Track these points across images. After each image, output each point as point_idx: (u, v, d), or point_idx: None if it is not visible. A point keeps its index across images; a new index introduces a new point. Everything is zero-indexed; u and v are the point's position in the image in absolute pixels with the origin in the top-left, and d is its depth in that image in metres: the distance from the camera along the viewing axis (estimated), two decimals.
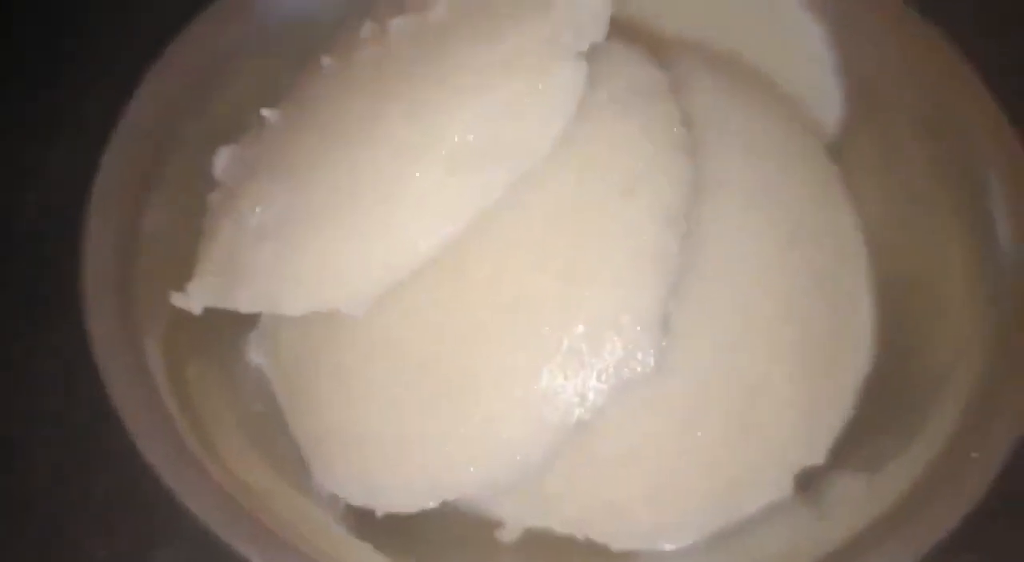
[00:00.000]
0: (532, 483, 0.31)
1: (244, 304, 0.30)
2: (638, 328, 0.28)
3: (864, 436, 0.33)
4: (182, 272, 0.32)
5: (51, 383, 0.38)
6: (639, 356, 0.28)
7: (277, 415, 0.34)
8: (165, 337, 0.32)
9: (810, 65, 0.38)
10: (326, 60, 0.33)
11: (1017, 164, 0.33)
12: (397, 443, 0.29)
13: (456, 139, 0.28)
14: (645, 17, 0.36)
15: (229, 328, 0.35)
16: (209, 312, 0.33)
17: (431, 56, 0.29)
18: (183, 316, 0.32)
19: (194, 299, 0.31)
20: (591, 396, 0.28)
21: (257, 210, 0.30)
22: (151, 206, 0.33)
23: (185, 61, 0.35)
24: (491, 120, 0.28)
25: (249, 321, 0.35)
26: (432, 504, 0.30)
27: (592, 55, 0.30)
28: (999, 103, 0.34)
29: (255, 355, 0.35)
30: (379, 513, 0.30)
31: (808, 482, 0.33)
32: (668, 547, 0.32)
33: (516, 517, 0.32)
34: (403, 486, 0.30)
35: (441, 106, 0.28)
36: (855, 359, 0.34)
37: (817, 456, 0.33)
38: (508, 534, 0.32)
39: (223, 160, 0.34)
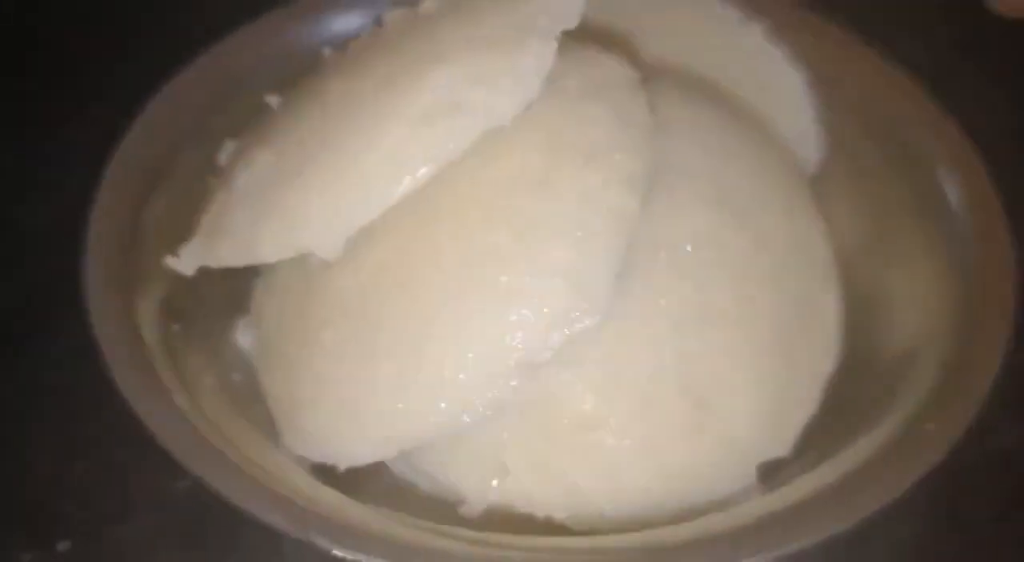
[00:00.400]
0: (492, 459, 0.32)
1: (224, 256, 0.31)
2: (589, 279, 0.29)
3: (828, 427, 0.33)
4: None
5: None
6: (589, 306, 0.29)
7: (255, 386, 0.35)
8: (159, 308, 0.34)
9: (790, 107, 0.40)
10: (327, 51, 0.36)
11: (983, 192, 0.35)
12: (354, 395, 0.30)
13: (425, 99, 0.30)
14: (632, 39, 0.39)
15: (223, 311, 0.36)
16: (205, 293, 0.35)
17: (415, 40, 0.32)
18: (177, 294, 0.35)
19: (185, 261, 0.33)
20: (541, 343, 0.29)
21: (243, 175, 0.32)
22: (158, 195, 0.36)
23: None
24: (460, 85, 0.30)
25: (242, 307, 0.37)
26: (391, 454, 0.31)
27: (568, 53, 0.32)
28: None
29: (242, 338, 0.36)
30: (341, 468, 0.31)
31: (772, 472, 0.33)
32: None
33: (479, 493, 0.32)
34: (361, 437, 0.30)
35: (414, 74, 0.30)
36: (821, 358, 0.34)
37: (782, 449, 0.33)
38: (471, 509, 0.32)
39: (228, 151, 0.37)
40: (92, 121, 0.39)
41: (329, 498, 0.31)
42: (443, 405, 0.30)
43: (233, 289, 0.36)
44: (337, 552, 0.27)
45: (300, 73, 0.37)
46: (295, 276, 0.33)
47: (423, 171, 0.29)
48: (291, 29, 0.40)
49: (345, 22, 0.40)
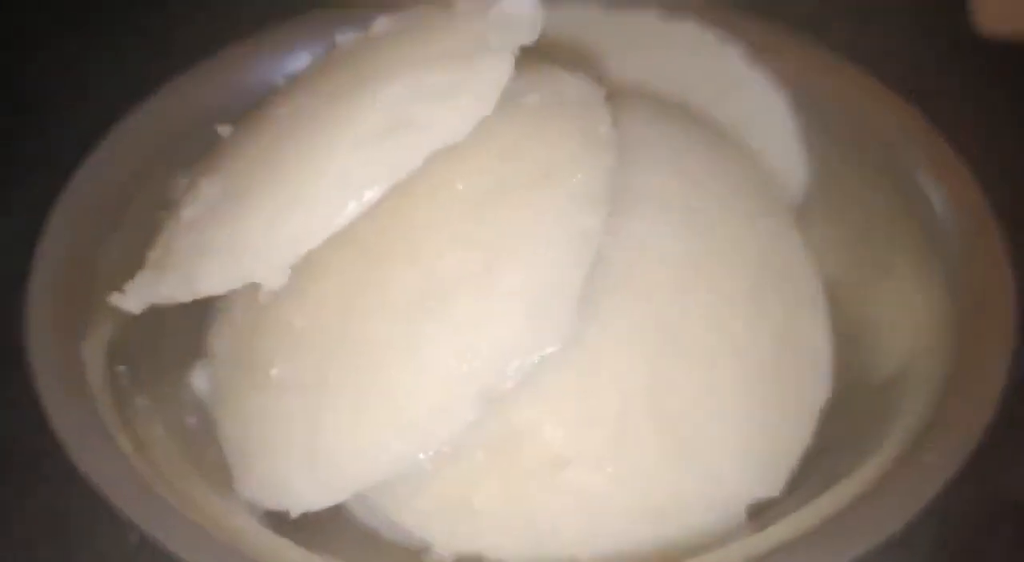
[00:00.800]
0: (459, 502, 0.30)
1: (168, 290, 0.29)
2: (549, 303, 0.27)
3: (821, 462, 0.31)
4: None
5: None
6: (550, 332, 0.27)
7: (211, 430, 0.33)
8: (106, 350, 0.32)
9: (770, 131, 0.39)
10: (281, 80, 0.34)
11: (975, 209, 0.34)
12: (302, 435, 0.28)
13: (373, 118, 0.28)
14: (600, 60, 0.38)
15: (179, 354, 0.34)
16: (159, 335, 0.33)
17: (364, 60, 0.31)
18: (127, 335, 0.33)
19: (131, 298, 0.31)
20: (500, 372, 0.27)
21: (189, 207, 0.31)
22: (109, 234, 0.34)
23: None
24: (409, 102, 0.28)
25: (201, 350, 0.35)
26: (342, 498, 0.29)
27: (529, 71, 0.31)
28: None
29: (198, 381, 0.34)
30: (293, 514, 0.29)
31: (762, 510, 0.31)
32: None
33: (446, 541, 0.30)
34: (311, 480, 0.28)
35: (362, 93, 0.29)
36: (812, 390, 0.32)
37: (773, 489, 0.31)
38: (438, 558, 0.30)
39: (180, 185, 0.35)
40: (42, 164, 0.38)
41: (278, 547, 0.29)
42: (397, 444, 0.28)
43: (191, 331, 0.34)
44: None
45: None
46: (246, 313, 0.31)
47: (369, 194, 0.28)
48: (250, 64, 0.39)
49: (306, 57, 0.39)
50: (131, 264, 0.33)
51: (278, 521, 0.30)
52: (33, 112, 0.47)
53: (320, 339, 0.29)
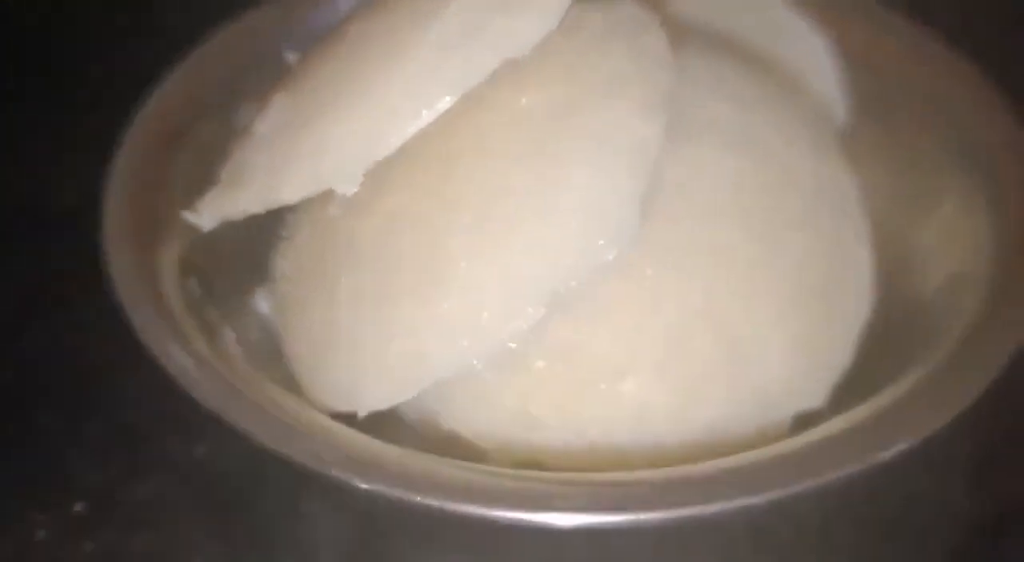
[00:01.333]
0: (518, 411, 0.31)
1: (244, 204, 0.31)
2: (612, 208, 0.29)
3: (863, 379, 0.32)
4: None
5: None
6: (613, 234, 0.28)
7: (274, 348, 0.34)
8: (177, 264, 0.34)
9: (814, 72, 0.40)
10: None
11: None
12: (371, 338, 0.30)
13: (444, 24, 0.29)
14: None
15: (242, 276, 0.36)
16: (224, 255, 0.35)
17: None
18: (196, 252, 0.34)
19: (204, 215, 0.32)
20: (565, 272, 0.28)
21: (262, 124, 0.32)
22: (178, 155, 0.36)
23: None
24: (479, 11, 0.29)
25: (262, 275, 0.36)
26: (410, 394, 0.30)
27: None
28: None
29: (262, 304, 0.35)
30: (361, 414, 0.30)
31: (805, 425, 0.31)
32: None
33: (503, 449, 0.31)
34: (380, 379, 0.30)
35: (428, 8, 0.30)
36: (856, 307, 0.33)
37: (816, 399, 0.32)
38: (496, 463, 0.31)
39: (243, 113, 0.36)
40: (108, 102, 0.39)
41: (352, 436, 0.30)
42: (464, 341, 0.29)
43: (253, 257, 0.36)
44: (361, 484, 0.26)
45: None
46: (313, 230, 0.33)
47: (441, 101, 0.29)
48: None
49: None
50: (201, 183, 0.34)
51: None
52: (99, 39, 0.49)
53: (388, 248, 0.30)
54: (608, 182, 0.29)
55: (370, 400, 0.30)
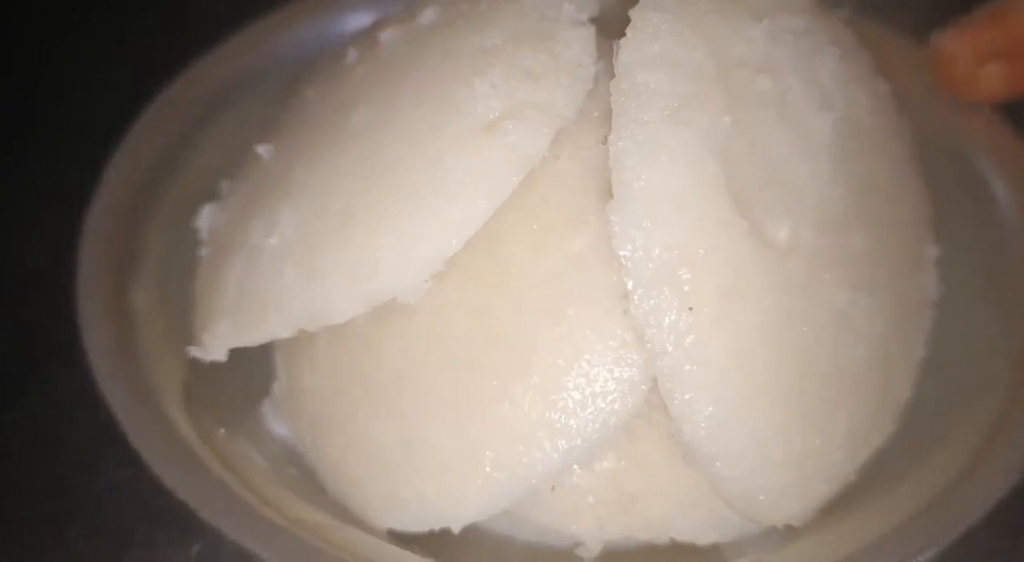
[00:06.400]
0: (609, 490, 0.29)
1: (278, 329, 0.28)
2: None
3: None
4: (183, 340, 0.31)
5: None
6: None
7: (310, 475, 0.32)
8: (185, 409, 0.30)
9: None
10: (311, 92, 0.32)
11: None
12: (461, 448, 0.27)
13: (484, 104, 0.27)
14: None
15: (240, 400, 0.33)
16: (218, 385, 0.32)
17: (428, 53, 0.29)
18: (194, 388, 0.31)
19: (213, 346, 0.29)
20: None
21: (271, 235, 0.28)
22: (139, 281, 0.32)
23: (151, 134, 0.35)
24: (513, 86, 0.27)
25: (260, 390, 0.33)
26: (510, 503, 0.28)
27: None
28: None
29: (275, 425, 0.33)
30: (455, 530, 0.28)
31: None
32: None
33: (595, 532, 0.30)
34: (474, 492, 0.28)
35: (454, 86, 0.27)
36: (905, 376, 0.32)
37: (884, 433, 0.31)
38: (590, 550, 0.30)
39: (207, 218, 0.33)
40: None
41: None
42: (562, 443, 0.27)
43: (244, 373, 0.32)
44: None
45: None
46: (338, 341, 0.30)
47: (501, 193, 0.26)
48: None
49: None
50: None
51: (401, 541, 0.30)
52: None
53: (454, 350, 0.28)
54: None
55: (465, 513, 0.28)
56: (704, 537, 0.30)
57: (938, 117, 0.35)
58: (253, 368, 0.33)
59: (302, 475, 0.31)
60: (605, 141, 0.26)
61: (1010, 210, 0.34)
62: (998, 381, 0.31)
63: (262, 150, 0.31)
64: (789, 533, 0.30)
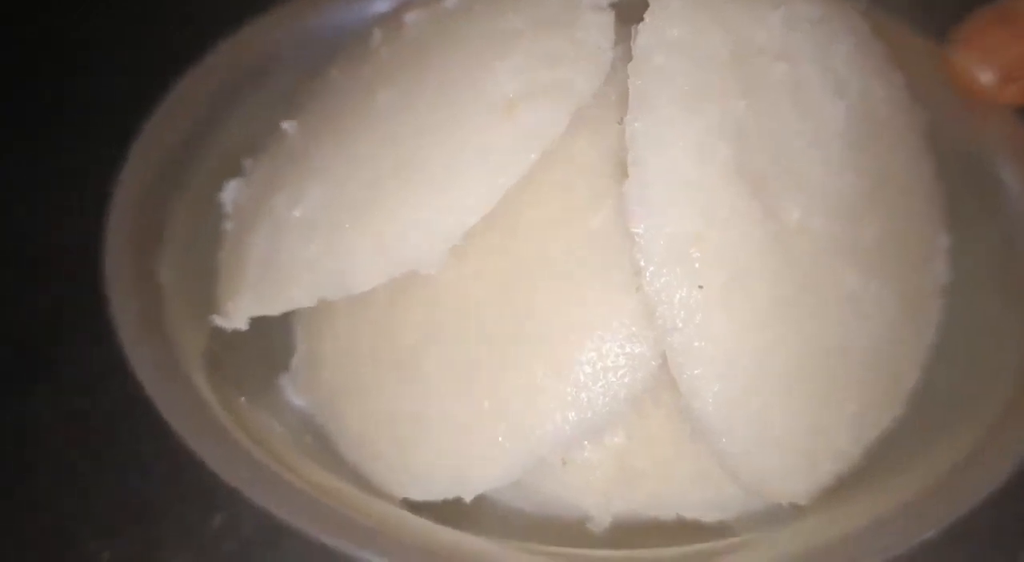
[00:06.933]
0: (616, 465, 0.30)
1: (301, 298, 0.29)
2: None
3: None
4: (207, 313, 0.32)
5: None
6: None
7: (328, 444, 0.32)
8: (208, 377, 0.31)
9: None
10: (334, 71, 0.32)
11: None
12: (475, 417, 0.28)
13: (505, 86, 0.28)
14: None
15: (261, 371, 0.34)
16: (238, 356, 0.32)
17: (453, 35, 0.30)
18: (217, 360, 0.32)
19: (237, 315, 0.30)
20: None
21: (296, 209, 0.29)
22: (165, 255, 0.33)
23: (177, 113, 0.35)
24: (534, 68, 0.28)
25: (280, 362, 0.34)
26: (522, 472, 0.29)
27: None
28: None
29: (293, 397, 0.33)
30: (468, 499, 0.29)
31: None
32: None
33: (603, 506, 0.30)
34: (489, 460, 0.28)
35: (479, 67, 0.28)
36: (914, 362, 0.32)
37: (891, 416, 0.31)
38: (598, 524, 0.30)
39: (231, 193, 0.34)
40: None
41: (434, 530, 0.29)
42: (571, 415, 0.28)
43: (265, 345, 0.33)
44: None
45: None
46: (354, 312, 0.31)
47: (520, 168, 0.27)
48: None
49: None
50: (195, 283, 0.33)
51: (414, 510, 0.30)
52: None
53: (471, 321, 0.28)
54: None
55: (478, 482, 0.29)
56: (710, 514, 0.31)
57: (950, 108, 0.35)
58: (274, 340, 0.33)
59: (319, 444, 0.32)
60: (621, 122, 0.27)
61: (1020, 200, 0.34)
62: (1007, 368, 0.31)
63: (287, 126, 0.32)
64: (795, 512, 0.30)
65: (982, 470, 0.29)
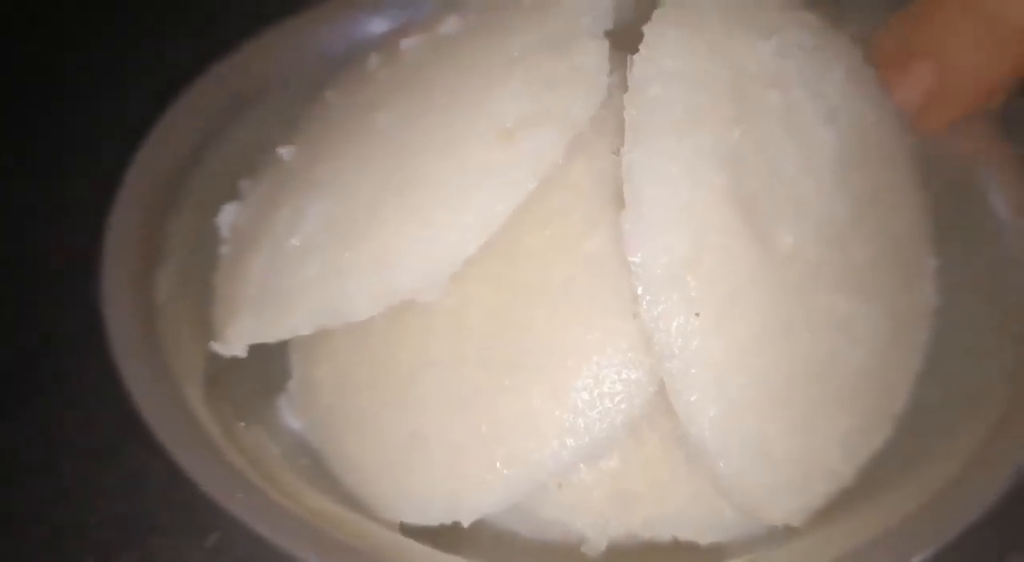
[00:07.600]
0: (611, 488, 0.30)
1: (300, 326, 0.29)
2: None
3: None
4: (205, 336, 0.32)
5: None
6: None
7: (324, 468, 0.32)
8: (205, 398, 0.31)
9: None
10: (331, 95, 0.33)
11: None
12: (472, 442, 0.28)
13: (503, 112, 0.28)
14: None
15: (257, 393, 0.34)
16: (235, 377, 0.32)
17: (452, 60, 0.30)
18: (213, 380, 0.32)
19: (235, 342, 0.30)
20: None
21: (293, 234, 0.29)
22: (161, 277, 0.33)
23: (173, 135, 0.35)
24: (532, 94, 0.28)
25: (277, 385, 0.34)
26: (520, 497, 0.29)
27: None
28: None
29: (290, 419, 0.33)
30: (465, 523, 0.29)
31: None
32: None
33: (599, 529, 0.31)
34: (486, 485, 0.28)
35: (478, 89, 0.28)
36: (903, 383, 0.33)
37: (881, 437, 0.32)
38: (594, 547, 0.31)
39: (228, 216, 0.34)
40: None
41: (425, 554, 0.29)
42: (569, 441, 0.28)
43: (262, 368, 0.33)
44: None
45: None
46: (351, 336, 0.31)
47: (519, 194, 0.27)
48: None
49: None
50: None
51: (411, 535, 0.30)
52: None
53: (469, 346, 0.29)
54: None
55: (476, 507, 0.29)
56: (706, 536, 0.31)
57: (939, 131, 0.36)
58: (271, 361, 0.33)
59: (316, 467, 0.32)
60: (618, 152, 0.27)
61: (1009, 224, 0.34)
62: (995, 391, 0.32)
63: (283, 152, 0.32)
64: (789, 533, 0.31)
65: (972, 489, 0.29)
